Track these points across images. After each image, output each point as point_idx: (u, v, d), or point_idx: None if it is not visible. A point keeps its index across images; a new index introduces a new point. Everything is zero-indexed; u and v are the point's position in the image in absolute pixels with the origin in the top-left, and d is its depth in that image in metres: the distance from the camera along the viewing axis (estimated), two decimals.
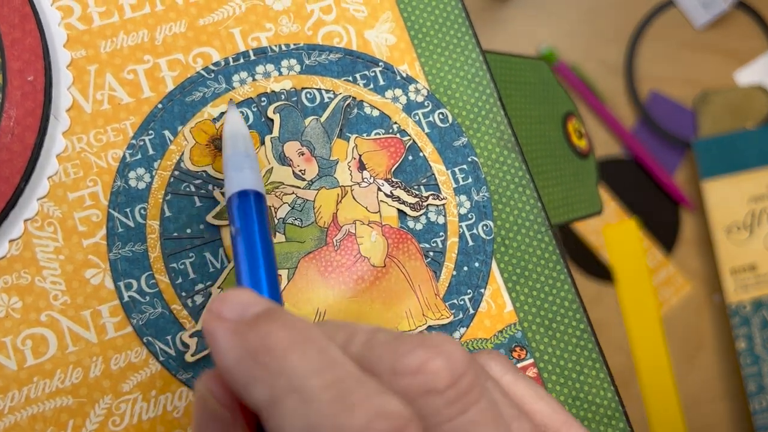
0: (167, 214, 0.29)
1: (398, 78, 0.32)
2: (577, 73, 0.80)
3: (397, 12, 0.33)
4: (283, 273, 0.29)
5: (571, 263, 0.81)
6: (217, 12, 0.31)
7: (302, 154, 0.30)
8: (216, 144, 0.30)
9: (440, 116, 0.32)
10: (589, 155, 0.51)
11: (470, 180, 0.31)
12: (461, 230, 0.31)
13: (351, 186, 0.30)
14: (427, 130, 0.32)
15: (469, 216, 0.31)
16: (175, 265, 0.29)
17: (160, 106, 0.30)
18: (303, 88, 0.31)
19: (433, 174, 0.31)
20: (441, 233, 0.31)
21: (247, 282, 0.23)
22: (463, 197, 0.31)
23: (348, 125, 0.31)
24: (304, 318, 0.19)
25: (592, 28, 0.83)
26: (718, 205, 0.78)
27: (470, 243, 0.31)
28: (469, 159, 0.32)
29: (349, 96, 0.31)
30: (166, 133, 0.30)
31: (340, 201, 0.30)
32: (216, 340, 0.19)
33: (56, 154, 0.29)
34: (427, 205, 0.31)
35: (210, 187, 0.29)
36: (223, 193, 0.29)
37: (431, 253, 0.30)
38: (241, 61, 0.31)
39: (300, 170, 0.30)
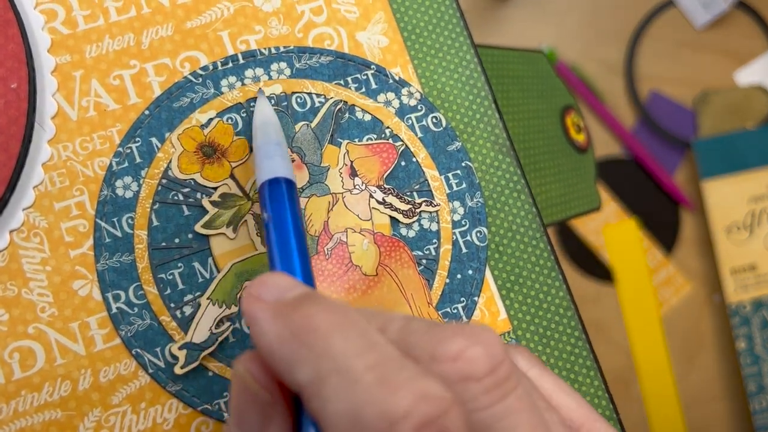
0: (155, 223, 0.29)
1: (391, 81, 0.32)
2: (577, 73, 0.80)
3: (389, 12, 0.33)
4: None
5: (571, 263, 0.82)
6: (204, 14, 0.31)
7: (292, 161, 0.30)
8: (204, 151, 0.30)
9: (434, 120, 0.32)
10: (587, 149, 0.51)
11: (464, 185, 0.32)
12: (455, 237, 0.31)
13: (342, 193, 0.30)
14: (420, 135, 0.32)
15: (463, 222, 0.31)
16: (163, 275, 0.29)
17: (147, 112, 0.30)
18: (293, 93, 0.31)
19: (426, 180, 0.31)
20: (434, 240, 0.31)
21: (280, 267, 0.23)
22: (457, 203, 0.31)
23: (339, 130, 0.31)
24: (344, 303, 0.20)
25: (592, 28, 0.83)
26: (718, 205, 0.78)
27: (464, 250, 0.31)
28: (463, 164, 0.32)
29: (341, 100, 0.31)
30: (154, 140, 0.30)
31: (332, 208, 0.30)
32: (257, 321, 0.19)
33: (42, 163, 0.29)
34: (420, 211, 0.31)
35: (198, 195, 0.29)
36: (211, 202, 0.29)
37: (424, 261, 0.31)
38: (230, 65, 0.31)
39: None
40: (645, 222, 0.82)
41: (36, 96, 0.29)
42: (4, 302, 0.28)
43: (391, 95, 0.32)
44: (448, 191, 0.31)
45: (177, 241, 0.29)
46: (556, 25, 0.83)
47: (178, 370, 0.28)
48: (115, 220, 0.29)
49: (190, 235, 0.29)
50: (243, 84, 0.31)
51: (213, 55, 0.31)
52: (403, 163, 0.31)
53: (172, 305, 0.29)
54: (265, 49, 0.31)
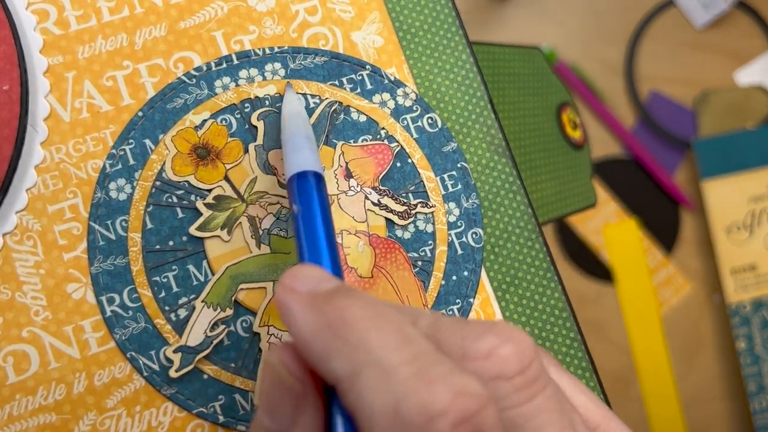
0: (149, 226, 0.29)
1: (386, 81, 0.32)
2: (577, 73, 0.81)
3: (384, 12, 0.33)
4: (269, 286, 0.29)
5: (571, 263, 0.83)
6: (198, 14, 0.32)
7: None
8: (198, 153, 0.30)
9: (429, 121, 0.32)
10: (583, 146, 0.51)
11: (459, 186, 0.32)
12: (450, 238, 0.32)
13: (337, 195, 0.31)
14: (415, 136, 0.32)
15: (459, 224, 0.32)
16: (157, 278, 0.29)
17: (140, 114, 0.30)
18: None
19: (422, 181, 0.32)
20: (429, 242, 0.31)
21: (310, 260, 0.24)
22: (452, 204, 0.32)
23: (334, 131, 0.32)
24: (376, 297, 0.20)
25: (592, 28, 0.84)
26: (718, 205, 0.79)
27: (459, 251, 0.31)
28: (459, 165, 0.32)
29: (336, 101, 0.32)
30: (147, 142, 0.30)
31: None
32: (292, 312, 0.20)
33: (34, 166, 0.29)
34: (416, 213, 0.31)
35: (192, 197, 0.30)
36: (205, 204, 0.29)
37: (420, 263, 0.31)
38: (224, 65, 0.31)
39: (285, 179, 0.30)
40: (645, 222, 0.83)
41: (28, 98, 0.29)
42: None
43: (386, 96, 0.32)
44: (443, 192, 0.32)
45: (171, 243, 0.29)
46: (556, 25, 0.84)
47: (173, 374, 0.28)
48: (108, 222, 0.29)
49: (184, 238, 0.30)
50: (237, 85, 0.31)
51: (207, 56, 0.31)
52: (398, 164, 0.32)
53: (167, 308, 0.29)
54: (259, 49, 0.32)
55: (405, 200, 0.31)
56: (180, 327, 0.29)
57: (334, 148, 0.31)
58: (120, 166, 0.30)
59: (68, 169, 0.30)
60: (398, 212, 0.31)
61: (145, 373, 0.28)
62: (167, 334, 0.29)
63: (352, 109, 0.32)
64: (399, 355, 0.18)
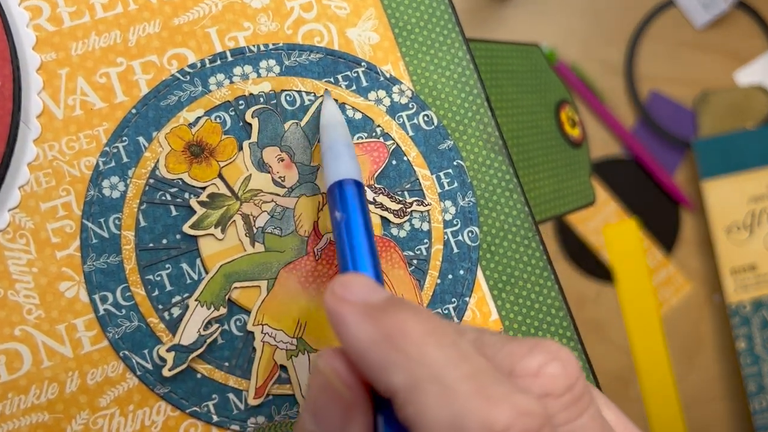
0: (142, 224, 0.30)
1: (382, 79, 0.33)
2: (577, 73, 0.82)
3: (380, 9, 0.33)
4: (263, 284, 0.30)
5: (571, 263, 0.83)
6: (192, 11, 0.32)
7: (282, 160, 0.31)
8: (192, 150, 0.30)
9: (425, 118, 0.33)
10: (582, 144, 0.52)
11: (456, 185, 0.32)
12: (446, 237, 0.32)
13: None
14: (411, 134, 0.32)
15: (455, 222, 0.32)
16: (151, 276, 0.29)
17: (134, 111, 0.31)
18: (282, 91, 0.32)
19: (418, 179, 0.32)
20: (425, 240, 0.32)
21: (354, 268, 0.25)
22: (448, 203, 0.32)
23: None
24: (429, 310, 0.21)
25: (592, 28, 0.85)
26: (718, 205, 0.80)
27: (455, 250, 0.32)
28: (455, 163, 0.33)
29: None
30: (141, 139, 0.30)
31: (321, 209, 0.31)
32: (346, 322, 0.20)
33: (27, 163, 0.30)
34: (411, 211, 0.32)
35: (186, 195, 0.30)
36: (199, 202, 0.30)
37: (415, 261, 0.32)
38: (218, 62, 0.32)
39: (279, 177, 0.31)
40: (645, 222, 0.84)
41: (21, 94, 0.30)
42: None
43: (381, 93, 0.32)
44: (439, 190, 0.32)
45: (165, 241, 0.30)
46: (556, 25, 0.85)
47: (166, 373, 0.28)
48: (102, 220, 0.30)
49: (178, 236, 0.30)
50: (231, 82, 0.31)
51: (201, 53, 0.32)
52: (394, 162, 0.32)
53: (160, 307, 0.29)
54: (254, 46, 0.32)
55: (400, 198, 0.32)
56: (173, 326, 0.29)
57: None
58: (113, 164, 0.30)
59: (61, 167, 0.30)
60: (394, 210, 0.31)
61: (139, 372, 0.29)
62: (160, 332, 0.29)
63: (347, 107, 0.32)
64: (458, 372, 0.19)
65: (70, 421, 0.28)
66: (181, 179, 0.30)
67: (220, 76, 0.31)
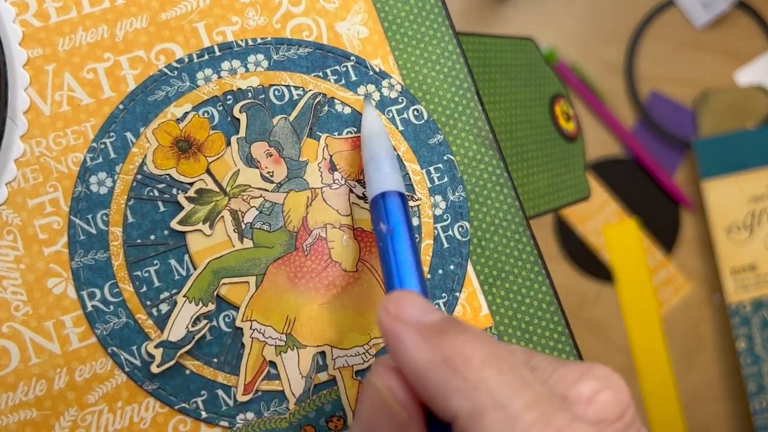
0: (130, 220, 0.30)
1: (371, 73, 0.33)
2: (577, 73, 0.82)
3: (369, 2, 0.33)
4: (251, 280, 0.30)
5: (571, 263, 0.84)
6: (179, 5, 0.32)
7: (270, 155, 0.31)
8: (180, 146, 0.31)
9: (415, 113, 0.33)
10: (577, 138, 0.52)
11: (446, 179, 0.33)
12: (436, 232, 0.32)
13: (321, 188, 0.31)
14: (401, 128, 0.33)
15: (445, 217, 0.32)
16: (139, 273, 0.30)
17: (121, 106, 0.31)
18: (271, 85, 0.32)
19: (408, 174, 0.32)
20: (415, 235, 0.32)
21: (402, 284, 0.25)
22: (439, 197, 0.32)
23: (318, 124, 0.32)
24: (484, 332, 0.21)
25: (592, 28, 0.85)
26: (718, 205, 0.80)
27: (445, 245, 0.32)
28: (445, 157, 0.33)
29: (320, 93, 0.32)
30: (128, 135, 0.31)
31: (310, 204, 0.31)
32: (403, 343, 0.21)
33: (14, 159, 0.30)
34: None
35: (174, 191, 0.30)
36: (187, 198, 0.30)
37: None
38: (206, 57, 0.32)
39: (268, 172, 0.31)
40: (645, 222, 0.84)
41: (8, 90, 0.30)
42: None
43: (371, 87, 0.33)
44: (429, 185, 0.32)
45: (152, 237, 0.30)
46: (556, 25, 0.85)
47: (154, 369, 0.29)
48: (89, 216, 0.30)
49: (165, 232, 0.30)
50: (219, 77, 0.32)
51: (189, 47, 0.32)
52: None
53: (148, 303, 0.30)
54: (242, 40, 0.32)
55: None
56: (162, 322, 0.29)
57: (318, 141, 0.32)
58: (101, 160, 0.30)
59: (49, 163, 0.30)
60: None
61: (127, 369, 0.29)
62: (149, 329, 0.29)
63: (336, 101, 0.32)
64: (521, 400, 0.19)
65: (58, 417, 0.29)
66: (168, 175, 0.30)
67: (208, 71, 0.32)
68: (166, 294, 0.30)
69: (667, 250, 0.85)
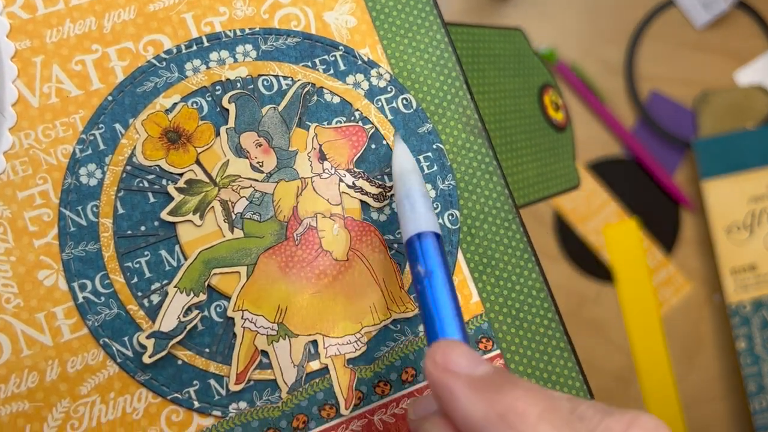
0: (120, 211, 0.30)
1: (360, 62, 0.33)
2: (577, 73, 0.83)
3: None
4: (242, 270, 0.30)
5: (571, 263, 0.85)
6: None
7: (260, 145, 0.32)
8: (169, 137, 0.31)
9: (404, 102, 0.33)
10: (566, 128, 0.52)
11: (435, 168, 0.33)
12: None
13: (311, 177, 0.32)
14: (390, 117, 0.33)
15: (435, 205, 0.33)
16: (129, 264, 0.30)
17: (110, 98, 0.31)
18: (259, 75, 0.32)
19: None
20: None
21: (443, 331, 0.26)
22: (428, 186, 0.33)
23: (307, 113, 0.33)
24: (535, 385, 0.22)
25: (592, 28, 0.86)
26: (718, 205, 0.82)
27: None
28: (434, 146, 0.33)
29: (308, 82, 0.33)
30: (117, 126, 0.31)
31: (300, 193, 0.32)
32: (456, 397, 0.22)
33: (3, 152, 0.30)
34: (391, 195, 0.32)
35: (164, 182, 0.31)
36: (177, 189, 0.30)
37: (396, 245, 0.32)
38: (194, 48, 0.32)
39: (257, 162, 0.31)
40: (645, 222, 0.85)
41: None
42: None
43: (360, 77, 0.33)
44: None
45: (143, 228, 0.30)
46: (556, 25, 0.86)
47: (146, 359, 0.29)
48: (79, 208, 0.30)
49: (156, 223, 0.31)
50: (208, 67, 0.32)
51: (177, 38, 0.32)
52: (373, 146, 0.33)
53: (140, 294, 0.30)
54: (230, 31, 0.32)
55: (380, 182, 0.32)
56: (153, 313, 0.30)
57: (308, 131, 0.32)
58: (90, 151, 0.31)
59: (38, 155, 0.30)
60: (373, 194, 0.32)
61: (119, 360, 0.30)
62: (140, 319, 0.30)
63: (325, 91, 0.33)
64: None
65: (50, 409, 0.29)
66: (158, 166, 0.31)
67: (197, 62, 0.32)
68: (157, 285, 0.30)
69: (667, 250, 0.86)
